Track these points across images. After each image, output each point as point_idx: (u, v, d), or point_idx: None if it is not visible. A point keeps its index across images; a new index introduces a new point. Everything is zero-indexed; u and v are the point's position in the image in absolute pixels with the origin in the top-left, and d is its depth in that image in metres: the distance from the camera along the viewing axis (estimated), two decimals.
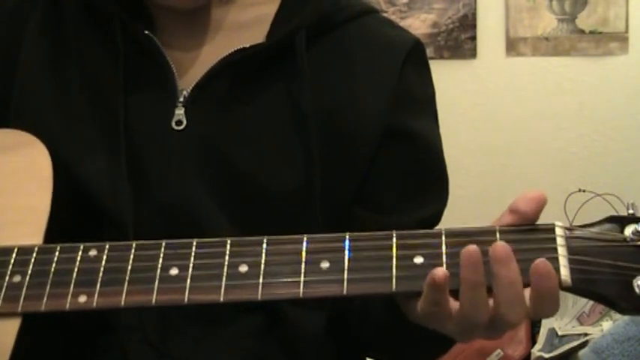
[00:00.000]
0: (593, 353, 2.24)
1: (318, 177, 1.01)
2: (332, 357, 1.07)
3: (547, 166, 2.94)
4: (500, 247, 0.80)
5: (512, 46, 2.94)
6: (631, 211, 0.82)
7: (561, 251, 0.81)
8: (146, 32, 1.02)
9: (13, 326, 0.87)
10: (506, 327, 0.83)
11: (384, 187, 1.06)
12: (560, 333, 2.54)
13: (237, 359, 1.01)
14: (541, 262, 0.79)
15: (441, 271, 0.79)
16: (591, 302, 2.54)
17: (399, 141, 1.06)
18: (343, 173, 1.04)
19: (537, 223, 0.84)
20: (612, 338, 2.22)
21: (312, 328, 1.04)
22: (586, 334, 2.46)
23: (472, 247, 0.80)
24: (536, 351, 2.54)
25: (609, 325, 2.42)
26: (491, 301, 0.81)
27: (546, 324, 2.61)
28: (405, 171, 1.07)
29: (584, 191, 2.67)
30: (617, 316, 2.46)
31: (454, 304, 0.82)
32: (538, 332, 2.63)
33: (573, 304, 2.60)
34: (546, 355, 2.48)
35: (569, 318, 2.58)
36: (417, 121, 1.08)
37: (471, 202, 2.77)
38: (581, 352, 2.34)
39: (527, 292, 0.81)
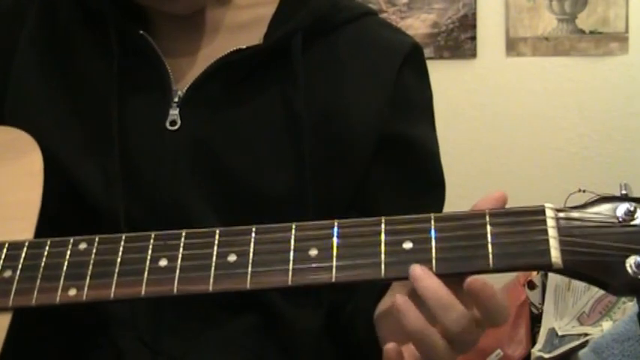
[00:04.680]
0: (593, 353, 2.23)
1: (309, 181, 1.01)
2: (330, 356, 1.06)
3: (547, 166, 2.93)
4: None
5: (512, 46, 2.93)
6: (624, 192, 0.81)
7: (552, 233, 0.79)
8: (141, 32, 1.02)
9: (3, 321, 0.86)
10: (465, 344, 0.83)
11: (380, 194, 1.06)
12: (560, 333, 2.53)
13: (233, 359, 1.00)
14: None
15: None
16: (591, 302, 2.54)
17: (395, 147, 1.06)
18: (338, 177, 1.04)
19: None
20: (612, 338, 2.21)
21: (309, 327, 1.04)
22: (586, 334, 2.45)
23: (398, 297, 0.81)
24: (536, 351, 2.54)
25: (609, 325, 2.41)
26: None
27: (546, 324, 2.61)
28: (402, 178, 1.07)
29: (584, 191, 2.66)
30: (617, 316, 2.46)
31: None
32: (538, 332, 2.63)
33: (573, 303, 2.59)
34: (546, 355, 2.48)
35: (569, 318, 2.58)
36: (414, 126, 1.08)
37: (471, 202, 2.75)
38: (581, 352, 2.33)
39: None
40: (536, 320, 2.66)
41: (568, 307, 2.59)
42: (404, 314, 0.80)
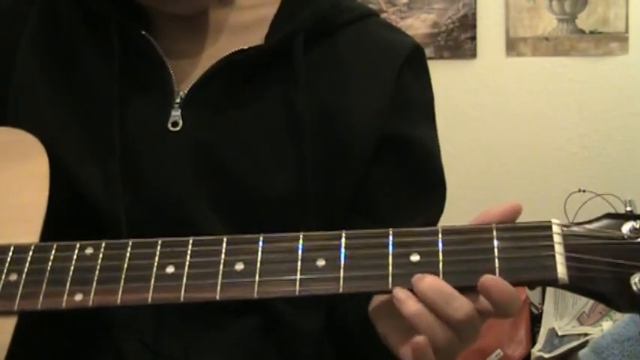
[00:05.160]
0: (593, 353, 2.24)
1: (311, 182, 1.01)
2: (330, 358, 1.06)
3: (547, 166, 2.94)
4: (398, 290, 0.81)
5: (512, 46, 2.94)
6: (629, 208, 0.82)
7: (558, 249, 0.79)
8: (143, 33, 1.02)
9: (9, 325, 0.86)
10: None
11: (381, 195, 1.06)
12: (560, 333, 2.54)
13: None
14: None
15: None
16: (591, 302, 2.54)
17: (396, 148, 1.05)
18: (338, 177, 1.03)
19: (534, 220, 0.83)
20: (612, 338, 2.22)
21: (309, 330, 1.03)
22: (586, 334, 2.46)
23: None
24: (536, 351, 2.55)
25: (609, 325, 2.42)
26: None
27: (546, 324, 2.62)
28: (402, 178, 1.07)
29: (584, 191, 2.67)
30: (617, 316, 2.46)
31: None
32: (538, 332, 2.63)
33: (573, 304, 2.60)
34: (546, 355, 2.48)
35: (569, 318, 2.58)
36: (414, 127, 1.07)
37: (471, 202, 2.76)
38: (581, 352, 2.34)
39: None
40: (536, 320, 2.67)
41: (568, 307, 2.60)
42: (403, 302, 0.80)
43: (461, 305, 0.80)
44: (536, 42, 2.92)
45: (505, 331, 2.59)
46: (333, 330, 1.06)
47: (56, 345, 0.95)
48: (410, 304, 0.80)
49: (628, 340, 2.19)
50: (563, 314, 2.60)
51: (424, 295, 0.80)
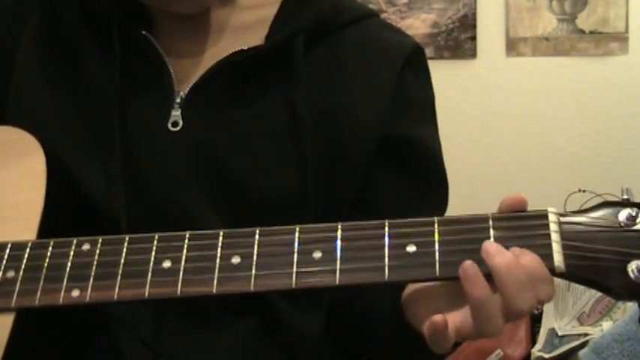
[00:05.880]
0: (593, 353, 2.24)
1: (311, 182, 1.01)
2: (330, 358, 1.06)
3: (547, 166, 2.93)
4: (489, 243, 0.80)
5: (512, 46, 2.93)
6: (626, 197, 0.81)
7: (554, 237, 0.80)
8: (143, 32, 1.02)
9: (6, 322, 0.86)
10: (519, 317, 0.82)
11: (382, 195, 1.06)
12: (560, 333, 2.53)
13: None
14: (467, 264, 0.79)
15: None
16: (591, 302, 2.54)
17: (397, 148, 1.05)
18: (340, 178, 1.04)
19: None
20: (612, 338, 2.22)
21: (310, 329, 1.04)
22: (586, 334, 2.45)
23: (467, 262, 0.79)
24: (536, 351, 2.54)
25: (609, 325, 2.42)
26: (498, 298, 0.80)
27: (546, 324, 2.61)
28: (403, 178, 1.07)
29: (584, 191, 2.67)
30: (617, 316, 2.46)
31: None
32: (538, 332, 2.63)
33: (573, 304, 2.59)
34: (546, 355, 2.48)
35: (569, 318, 2.58)
36: (415, 127, 1.08)
37: (471, 202, 2.76)
38: (581, 352, 2.34)
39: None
40: (536, 320, 2.66)
41: (568, 307, 2.59)
42: (474, 282, 0.79)
43: (531, 296, 0.80)
44: (536, 42, 2.92)
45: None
46: (333, 329, 1.06)
47: (55, 344, 0.95)
48: (480, 286, 0.79)
49: (628, 340, 2.18)
50: (563, 314, 2.59)
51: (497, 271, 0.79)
